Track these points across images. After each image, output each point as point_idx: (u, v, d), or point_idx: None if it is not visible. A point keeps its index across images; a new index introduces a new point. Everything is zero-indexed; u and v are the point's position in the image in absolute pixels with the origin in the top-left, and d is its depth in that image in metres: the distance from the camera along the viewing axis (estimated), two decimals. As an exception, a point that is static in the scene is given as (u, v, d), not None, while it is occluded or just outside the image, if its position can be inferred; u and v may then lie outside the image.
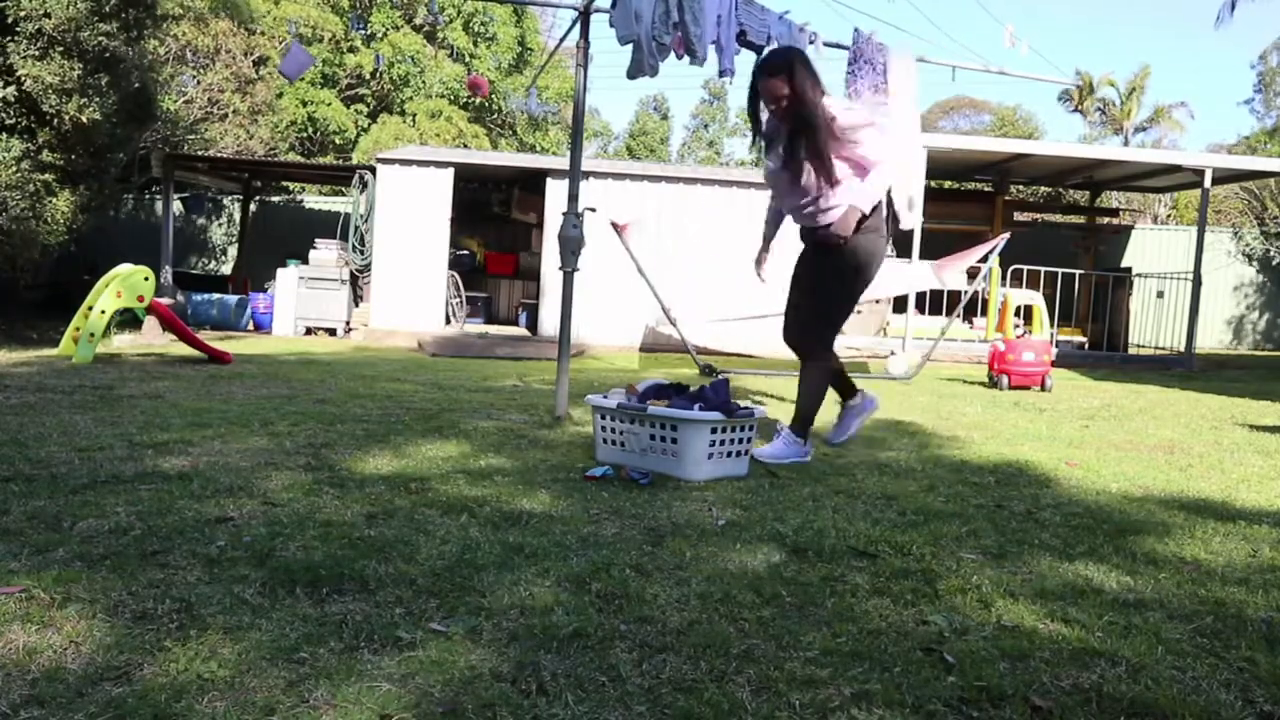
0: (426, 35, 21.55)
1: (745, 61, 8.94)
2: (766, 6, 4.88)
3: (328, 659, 1.73)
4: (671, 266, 11.21)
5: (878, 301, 12.00)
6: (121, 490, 2.95)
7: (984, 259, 8.71)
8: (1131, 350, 13.89)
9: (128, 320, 9.04)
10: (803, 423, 4.01)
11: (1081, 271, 13.08)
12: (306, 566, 2.23)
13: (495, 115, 22.12)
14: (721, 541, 2.64)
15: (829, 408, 4.31)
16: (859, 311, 12.59)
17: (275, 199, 16.93)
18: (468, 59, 21.18)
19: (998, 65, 8.78)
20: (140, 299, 7.70)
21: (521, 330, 13.34)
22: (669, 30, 4.55)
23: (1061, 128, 59.92)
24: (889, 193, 4.02)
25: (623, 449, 3.74)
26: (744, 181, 12.72)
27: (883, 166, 3.81)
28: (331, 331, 12.55)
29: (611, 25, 4.79)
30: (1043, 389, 8.03)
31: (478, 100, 21.09)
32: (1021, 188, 18.39)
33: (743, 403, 3.82)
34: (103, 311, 7.40)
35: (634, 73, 4.65)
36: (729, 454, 3.62)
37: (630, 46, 4.63)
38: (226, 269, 16.28)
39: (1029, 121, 32.24)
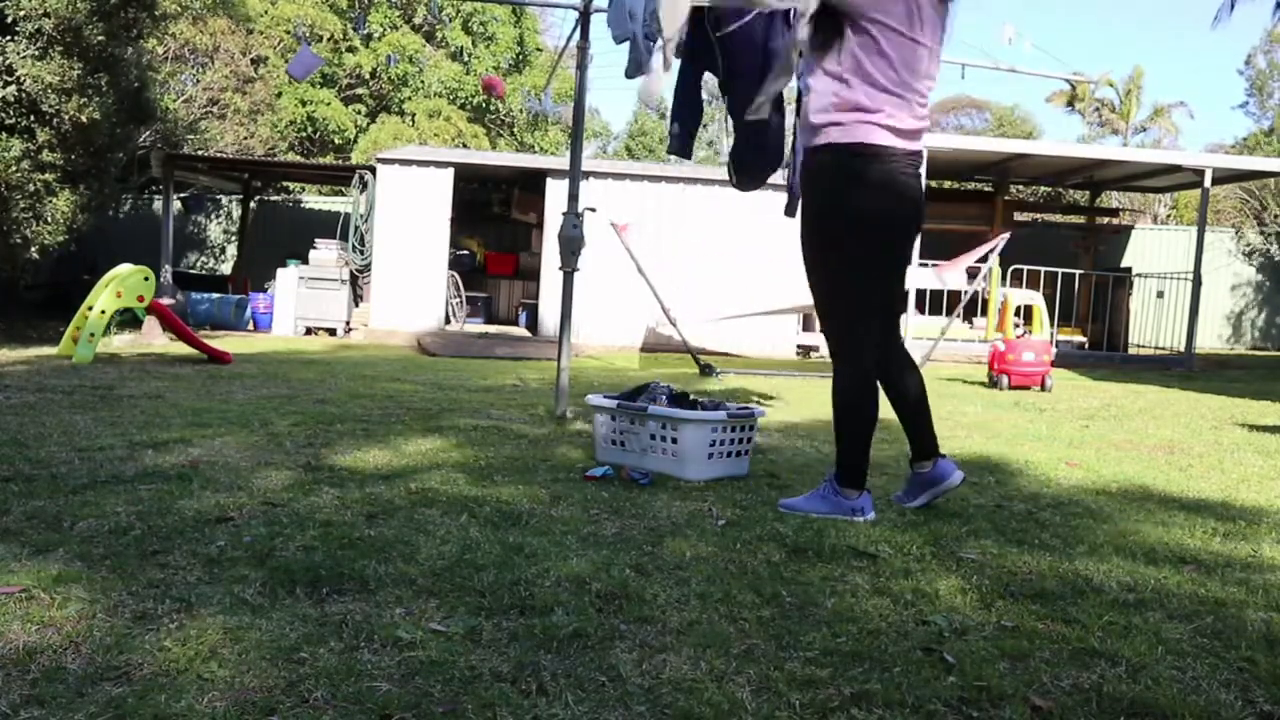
0: (426, 35, 21.54)
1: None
2: None
3: (328, 659, 1.73)
4: (671, 266, 11.21)
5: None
6: (121, 490, 2.95)
7: (984, 259, 8.72)
8: (1131, 350, 13.89)
9: (128, 320, 9.03)
10: (841, 468, 2.97)
11: (1081, 271, 13.08)
12: (306, 566, 2.23)
13: (495, 115, 22.11)
14: (721, 541, 2.64)
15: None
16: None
17: (275, 199, 16.92)
18: (467, 58, 21.17)
19: (1008, 63, 8.77)
20: (140, 299, 7.70)
21: (521, 330, 13.34)
22: (660, 28, 4.53)
23: (1061, 128, 59.95)
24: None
25: (623, 449, 3.74)
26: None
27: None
28: (331, 331, 12.55)
29: (609, 25, 4.79)
30: (1043, 389, 8.03)
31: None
32: (1021, 188, 18.38)
33: (740, 403, 3.82)
34: (103, 311, 7.39)
35: (633, 72, 4.64)
36: (729, 454, 3.62)
37: (627, 45, 4.63)
38: (226, 269, 16.27)
39: (1028, 121, 32.23)
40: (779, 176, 4.82)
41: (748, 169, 4.64)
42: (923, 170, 2.96)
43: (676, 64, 4.45)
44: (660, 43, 4.37)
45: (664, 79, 4.43)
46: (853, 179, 2.84)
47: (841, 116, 2.81)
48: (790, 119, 4.45)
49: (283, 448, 3.80)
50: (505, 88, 19.76)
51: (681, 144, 4.68)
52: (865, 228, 2.87)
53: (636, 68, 4.60)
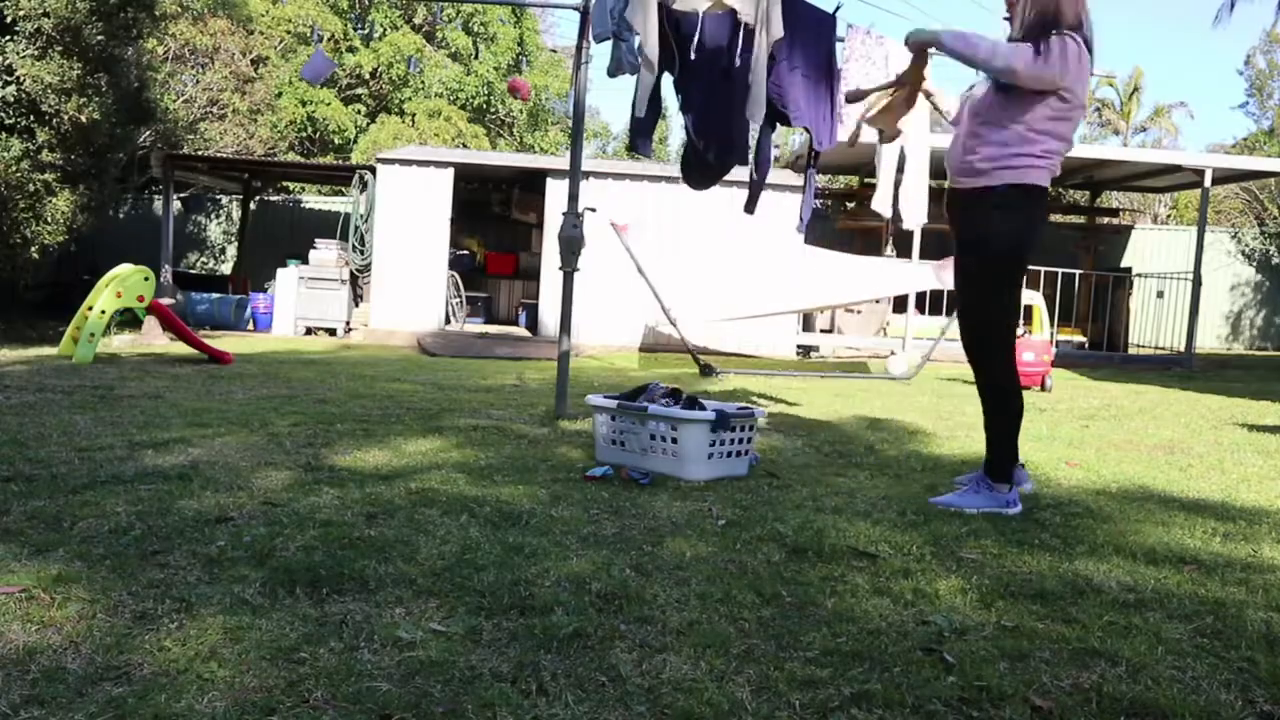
0: (426, 35, 21.54)
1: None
2: None
3: (328, 659, 1.73)
4: (671, 266, 11.20)
5: (877, 301, 12.00)
6: (121, 490, 2.95)
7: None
8: (1131, 350, 13.89)
9: (128, 320, 9.03)
10: (992, 464, 3.20)
11: (1081, 271, 13.08)
12: (306, 566, 2.23)
13: (495, 115, 22.11)
14: (721, 541, 2.64)
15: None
16: (856, 310, 12.56)
17: (275, 199, 16.92)
18: (467, 59, 21.17)
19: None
20: (140, 299, 7.70)
21: (521, 330, 13.34)
22: (631, 28, 4.53)
23: (1061, 128, 59.60)
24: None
25: (623, 449, 3.74)
26: (743, 181, 12.70)
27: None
28: (331, 331, 12.55)
29: (592, 24, 4.82)
30: (1043, 389, 8.03)
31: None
32: (1021, 188, 18.35)
33: (740, 403, 3.82)
34: (103, 311, 7.39)
35: (614, 70, 4.65)
36: (729, 454, 3.62)
37: (610, 44, 4.63)
38: (226, 269, 16.27)
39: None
40: (740, 174, 4.96)
41: (707, 170, 4.80)
42: None
43: (639, 60, 4.48)
44: (631, 42, 4.40)
45: (650, 81, 4.46)
46: (1015, 212, 3.15)
47: (1016, 161, 3.12)
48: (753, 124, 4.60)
49: (283, 448, 3.79)
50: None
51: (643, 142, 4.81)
52: (1019, 249, 3.21)
53: (617, 66, 4.61)
